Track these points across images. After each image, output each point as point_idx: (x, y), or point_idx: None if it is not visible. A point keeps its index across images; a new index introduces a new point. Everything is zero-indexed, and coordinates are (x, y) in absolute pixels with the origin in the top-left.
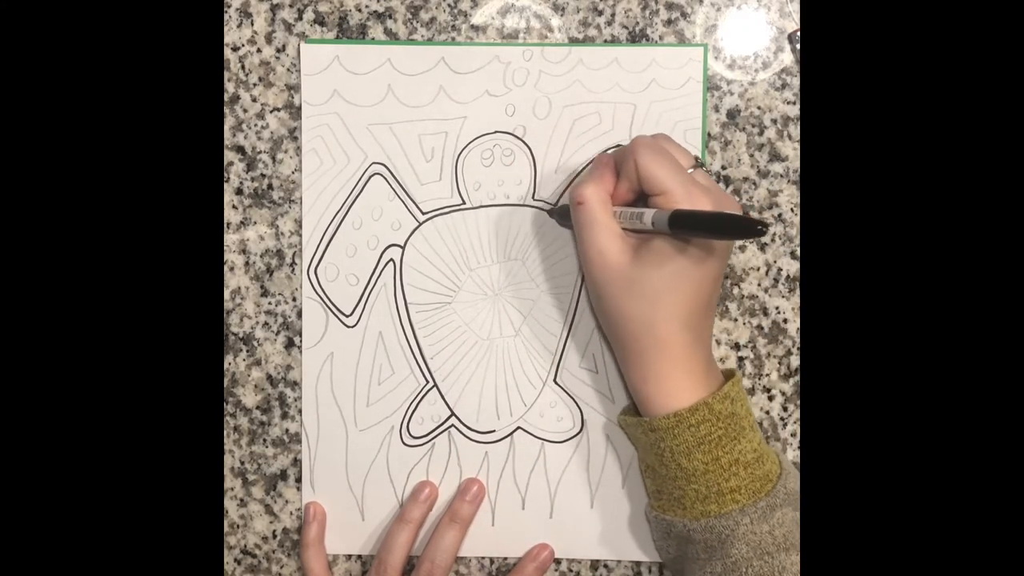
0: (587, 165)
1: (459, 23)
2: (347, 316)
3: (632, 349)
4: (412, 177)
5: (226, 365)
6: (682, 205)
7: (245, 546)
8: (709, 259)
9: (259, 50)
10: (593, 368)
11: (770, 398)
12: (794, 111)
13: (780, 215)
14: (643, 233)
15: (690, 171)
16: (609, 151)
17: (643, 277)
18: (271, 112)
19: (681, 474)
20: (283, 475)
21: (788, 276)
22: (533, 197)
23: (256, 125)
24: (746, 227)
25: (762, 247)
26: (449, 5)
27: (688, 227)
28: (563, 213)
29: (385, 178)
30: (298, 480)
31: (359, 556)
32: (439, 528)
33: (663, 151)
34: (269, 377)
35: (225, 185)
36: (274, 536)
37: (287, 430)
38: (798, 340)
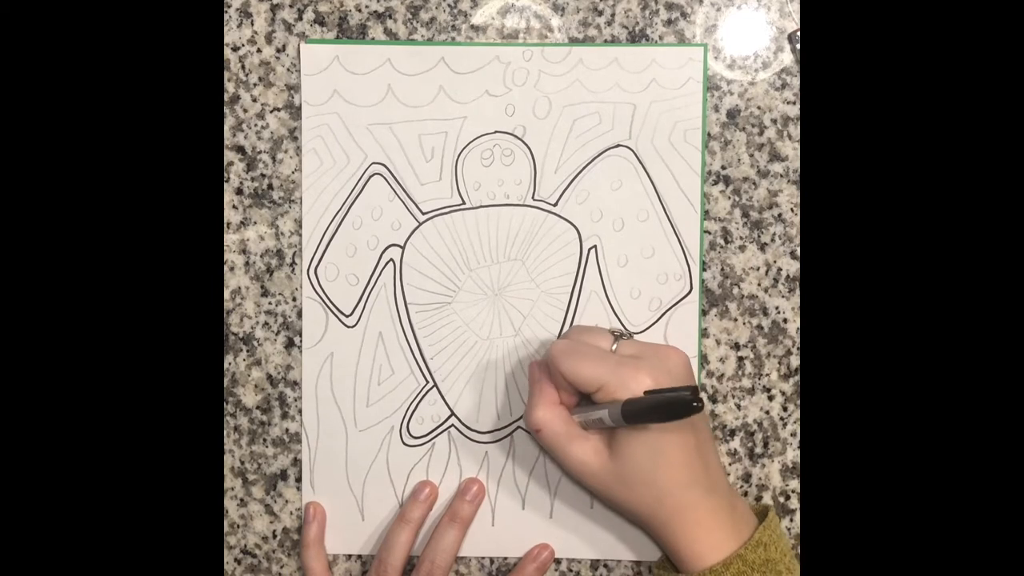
0: (588, 164)
1: (459, 23)
2: (347, 316)
3: (653, 524)
4: (412, 177)
5: (226, 365)
6: (621, 392)
7: (245, 546)
8: (681, 426)
9: (259, 50)
10: None
11: (770, 398)
12: (794, 111)
13: (780, 215)
14: (604, 429)
15: (614, 348)
16: (532, 362)
17: (629, 467)
18: (271, 112)
19: None
20: (283, 475)
21: (788, 276)
22: (533, 197)
23: (256, 125)
24: (684, 404)
25: (762, 247)
26: (449, 5)
27: (641, 418)
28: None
29: (385, 178)
30: (298, 480)
31: (359, 556)
32: (439, 528)
33: (579, 348)
34: (269, 377)
35: (225, 185)
36: (274, 536)
37: (287, 430)
38: (798, 340)
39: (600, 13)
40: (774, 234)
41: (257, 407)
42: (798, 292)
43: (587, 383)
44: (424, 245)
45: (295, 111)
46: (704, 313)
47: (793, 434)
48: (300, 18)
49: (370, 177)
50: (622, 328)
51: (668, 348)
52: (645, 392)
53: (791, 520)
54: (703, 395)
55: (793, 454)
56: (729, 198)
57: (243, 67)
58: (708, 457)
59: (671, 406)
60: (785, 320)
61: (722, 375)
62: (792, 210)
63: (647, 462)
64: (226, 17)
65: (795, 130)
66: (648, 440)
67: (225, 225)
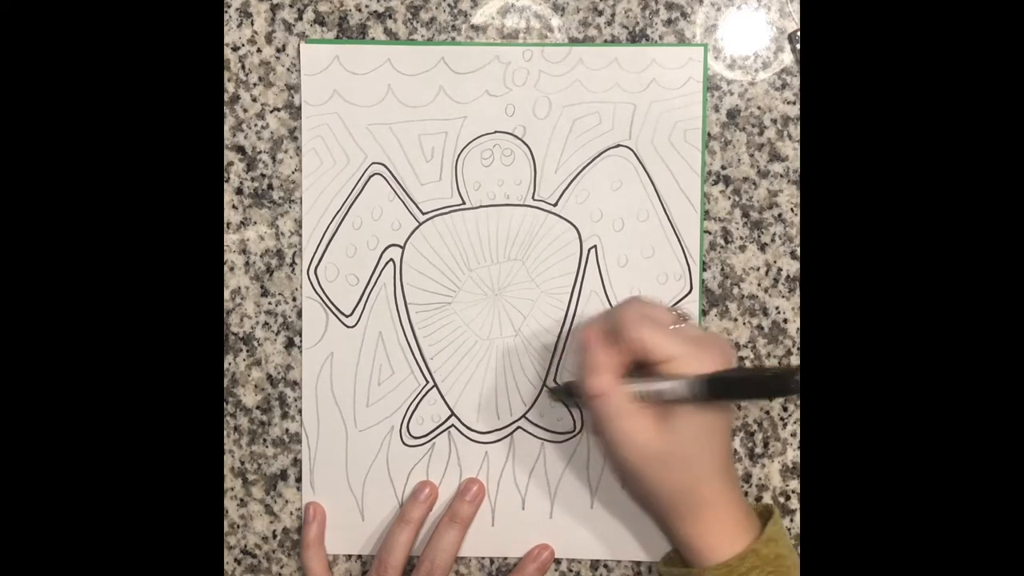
0: (588, 164)
1: (459, 23)
2: (347, 316)
3: (674, 514)
4: (412, 177)
5: (226, 365)
6: (691, 367)
7: (245, 546)
8: (727, 408)
9: (259, 50)
10: None
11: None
12: (794, 111)
13: (780, 215)
14: (661, 403)
15: (678, 328)
16: (584, 327)
17: (678, 447)
18: (271, 112)
19: None
20: (283, 475)
21: (788, 276)
22: (533, 197)
23: (256, 125)
24: (787, 383)
25: (762, 247)
26: (449, 5)
27: (728, 393)
28: (569, 392)
29: (385, 178)
30: (298, 480)
31: (359, 556)
32: (439, 528)
33: (650, 318)
34: (269, 377)
35: (225, 185)
36: (274, 536)
37: (287, 430)
38: (798, 340)
39: (600, 13)
40: (774, 234)
41: (257, 407)
42: (798, 292)
43: (660, 353)
44: (424, 245)
45: (295, 111)
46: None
47: (793, 434)
48: (300, 18)
49: (370, 177)
50: (681, 309)
51: (717, 335)
52: (713, 373)
53: (791, 520)
54: None
55: (793, 454)
56: (729, 198)
57: (243, 67)
58: (731, 454)
59: (772, 382)
60: (785, 320)
61: None
62: (792, 210)
63: (696, 444)
64: (226, 17)
65: (795, 130)
66: (704, 423)
67: (225, 225)
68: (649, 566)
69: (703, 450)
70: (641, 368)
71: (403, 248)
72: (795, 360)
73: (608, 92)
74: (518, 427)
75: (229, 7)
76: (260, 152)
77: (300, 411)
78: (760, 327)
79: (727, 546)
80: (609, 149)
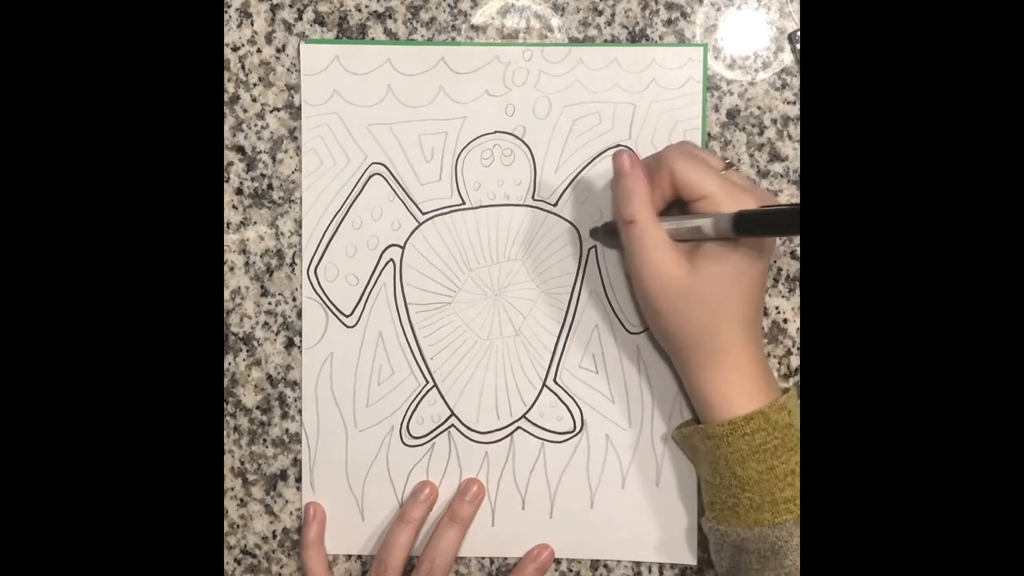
0: (588, 164)
1: (459, 23)
2: (347, 316)
3: (693, 358)
4: (412, 177)
5: (226, 365)
6: (726, 206)
7: (245, 546)
8: (761, 256)
9: (259, 50)
10: (593, 368)
11: None
12: (794, 111)
13: None
14: (695, 240)
15: (723, 173)
16: (627, 159)
17: (703, 286)
18: (271, 112)
19: (735, 482)
20: (283, 475)
21: (788, 276)
22: (533, 197)
23: (256, 125)
24: None
25: (737, 161)
26: (449, 5)
27: (754, 227)
28: (609, 231)
29: (385, 178)
30: (298, 480)
31: (359, 556)
32: (439, 528)
33: (696, 156)
34: (269, 377)
35: (225, 185)
36: (274, 536)
37: (287, 430)
38: (798, 340)
39: (600, 13)
40: None
41: (257, 407)
42: (798, 292)
43: (695, 188)
44: (424, 245)
45: (295, 111)
46: None
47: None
48: (300, 18)
49: (370, 177)
50: (732, 160)
51: (770, 194)
52: (764, 207)
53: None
54: None
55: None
56: None
57: (243, 67)
58: (760, 312)
59: (793, 217)
60: (785, 320)
61: None
62: None
63: (721, 287)
64: (226, 17)
65: (795, 130)
66: (731, 265)
67: (225, 225)
68: (649, 566)
69: (727, 294)
70: (680, 206)
71: (403, 248)
72: (795, 361)
73: (608, 92)
74: (518, 427)
75: (229, 7)
76: (260, 152)
77: (300, 411)
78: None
79: (738, 403)
80: (609, 149)
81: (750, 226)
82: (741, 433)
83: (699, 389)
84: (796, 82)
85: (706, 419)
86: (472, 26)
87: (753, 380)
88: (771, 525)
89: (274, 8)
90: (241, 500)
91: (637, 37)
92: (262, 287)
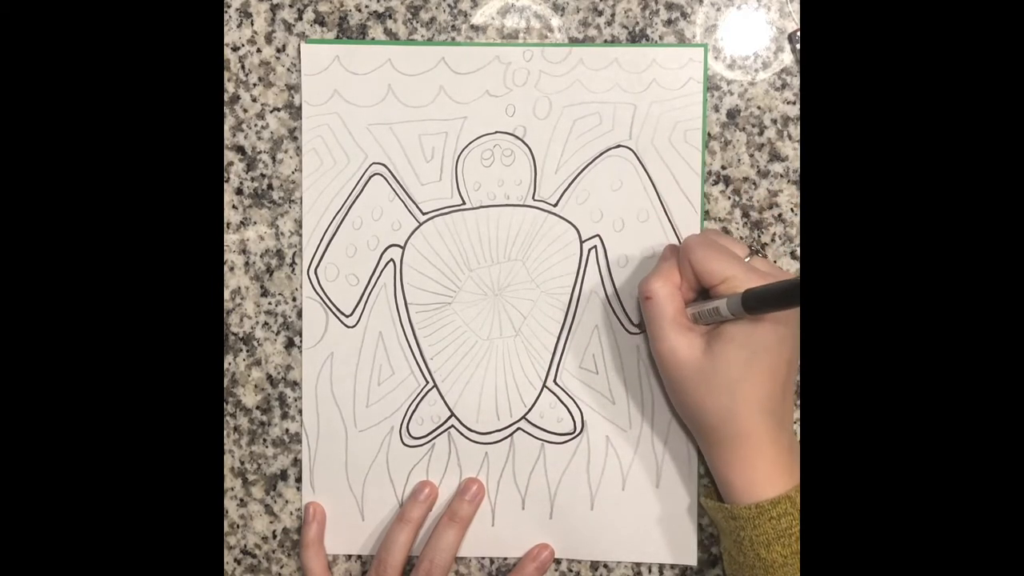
0: (588, 164)
1: (459, 23)
2: (347, 316)
3: (713, 440)
4: (412, 177)
5: (226, 365)
6: (743, 288)
7: (245, 546)
8: (782, 341)
9: (259, 50)
10: (593, 369)
11: None
12: (794, 111)
13: (780, 215)
14: (715, 324)
15: (747, 259)
16: (669, 245)
17: (718, 369)
18: (271, 112)
19: (759, 564)
20: (283, 475)
21: None
22: (533, 197)
23: (256, 125)
24: None
25: (762, 247)
26: (449, 5)
27: (761, 303)
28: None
29: (385, 178)
30: (298, 480)
31: (359, 556)
32: (438, 527)
33: (715, 244)
34: (269, 377)
35: (225, 185)
36: (274, 536)
37: (287, 430)
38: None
39: (600, 13)
40: (774, 234)
41: (257, 407)
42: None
43: (715, 274)
44: (424, 245)
45: (295, 111)
46: None
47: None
48: (300, 18)
49: (370, 177)
50: (758, 246)
51: (794, 276)
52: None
53: None
54: None
55: None
56: (729, 198)
57: (243, 67)
58: (788, 393)
59: (797, 287)
60: None
61: None
62: (792, 210)
63: (736, 371)
64: (226, 17)
65: (795, 130)
66: (747, 349)
67: (225, 225)
68: (649, 566)
69: (744, 378)
70: (706, 293)
71: (403, 248)
72: None
73: (608, 92)
74: (518, 427)
75: (229, 7)
76: (260, 152)
77: (300, 411)
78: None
79: (761, 488)
80: (609, 149)
81: (758, 302)
82: (767, 517)
83: (720, 472)
84: (796, 82)
85: (730, 500)
86: (472, 26)
87: (777, 467)
88: None
89: (274, 8)
90: (241, 500)
91: (637, 37)
92: (262, 287)
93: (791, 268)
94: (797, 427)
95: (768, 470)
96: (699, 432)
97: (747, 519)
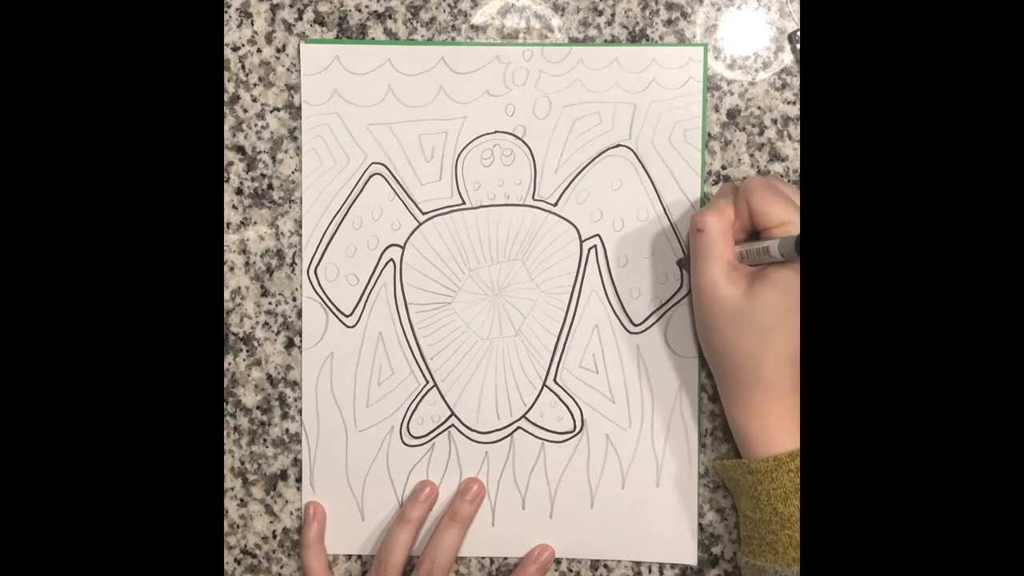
0: (588, 164)
1: (459, 23)
2: (347, 316)
3: (736, 384)
4: (412, 177)
5: (226, 365)
6: (797, 232)
7: (245, 546)
8: None
9: (259, 50)
10: (593, 368)
11: None
12: (794, 111)
13: None
14: (761, 266)
15: None
16: (727, 184)
17: (755, 311)
18: (271, 112)
19: (776, 519)
20: (283, 475)
21: None
22: (533, 197)
23: (256, 125)
24: None
25: None
26: (449, 5)
27: None
28: (688, 263)
29: (385, 178)
30: (298, 480)
31: (359, 556)
32: (439, 527)
33: (776, 188)
34: (269, 377)
35: (225, 185)
36: (274, 536)
37: (287, 430)
38: None
39: (600, 13)
40: None
41: (257, 407)
42: None
43: (771, 216)
44: (424, 245)
45: (295, 111)
46: None
47: None
48: (300, 18)
49: (370, 177)
50: None
51: None
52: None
53: None
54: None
55: None
56: None
57: (243, 67)
58: None
59: None
60: None
61: None
62: None
63: (773, 315)
64: (226, 17)
65: (795, 130)
66: (789, 296)
67: (225, 225)
68: (649, 566)
69: (779, 325)
70: (756, 237)
71: (403, 248)
72: None
73: (608, 92)
74: (518, 427)
75: (229, 7)
76: (260, 152)
77: (300, 411)
78: None
79: (778, 438)
80: (609, 149)
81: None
82: (785, 470)
83: (739, 421)
84: (796, 82)
85: (747, 454)
86: (472, 26)
87: (797, 420)
88: None
89: (274, 8)
90: (241, 500)
91: (637, 37)
92: (262, 287)
93: None
94: None
95: (787, 422)
96: (722, 374)
97: (764, 472)
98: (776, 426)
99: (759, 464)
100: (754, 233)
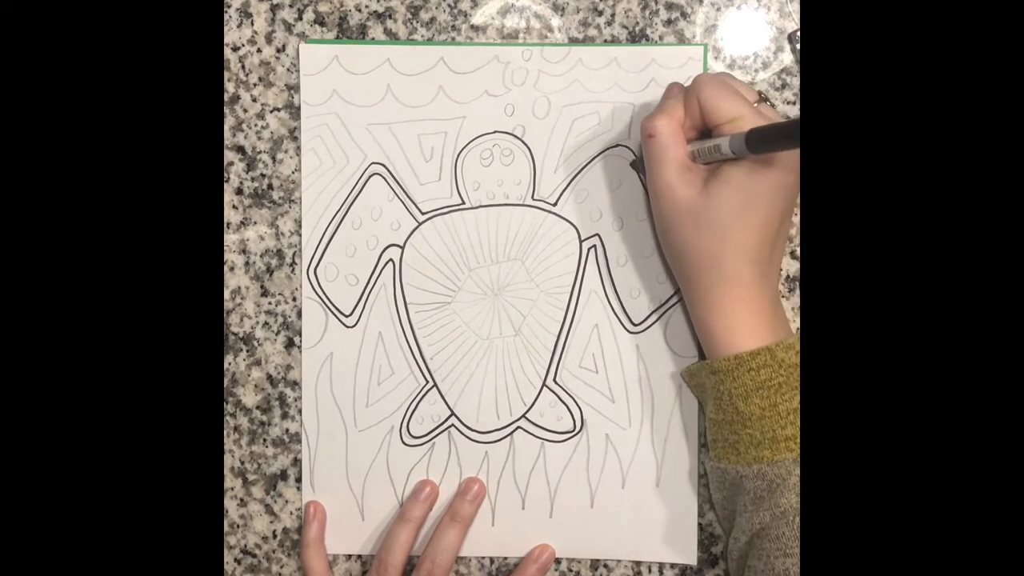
0: (588, 163)
1: (459, 23)
2: (347, 316)
3: (698, 284)
4: (411, 177)
5: (226, 365)
6: (749, 128)
7: (245, 546)
8: (779, 190)
9: (259, 50)
10: (593, 368)
11: None
12: (794, 111)
13: None
14: (715, 164)
15: (755, 104)
16: (674, 83)
17: (711, 209)
18: (271, 112)
19: (737, 418)
20: (283, 475)
21: (788, 276)
22: (532, 197)
23: (256, 125)
24: None
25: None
26: (449, 5)
27: (765, 140)
28: (643, 166)
29: (384, 178)
30: (298, 480)
31: (359, 556)
32: (440, 527)
33: (726, 84)
34: (269, 377)
35: (225, 185)
36: (274, 536)
37: (287, 430)
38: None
39: (600, 13)
40: None
41: (257, 407)
42: (798, 292)
43: (722, 112)
44: (424, 245)
45: (295, 111)
46: None
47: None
48: (300, 18)
49: (369, 177)
50: (766, 94)
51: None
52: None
53: None
54: None
55: None
56: None
57: (243, 67)
58: (778, 245)
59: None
60: None
61: None
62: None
63: (730, 212)
64: (226, 17)
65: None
66: (744, 192)
67: (225, 225)
68: (649, 566)
69: (736, 222)
70: (708, 135)
71: (403, 248)
72: None
73: (607, 92)
74: (518, 427)
75: (229, 7)
76: (260, 152)
77: (300, 411)
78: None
79: (741, 338)
80: (608, 148)
81: (761, 139)
82: (747, 368)
83: (703, 320)
84: (796, 82)
85: (712, 355)
86: (472, 26)
87: (760, 317)
88: (770, 463)
89: (274, 8)
90: (241, 500)
91: (637, 37)
92: (262, 287)
93: (790, 268)
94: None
95: (749, 320)
96: (683, 275)
97: (727, 371)
98: (739, 326)
99: (721, 364)
100: (706, 131)
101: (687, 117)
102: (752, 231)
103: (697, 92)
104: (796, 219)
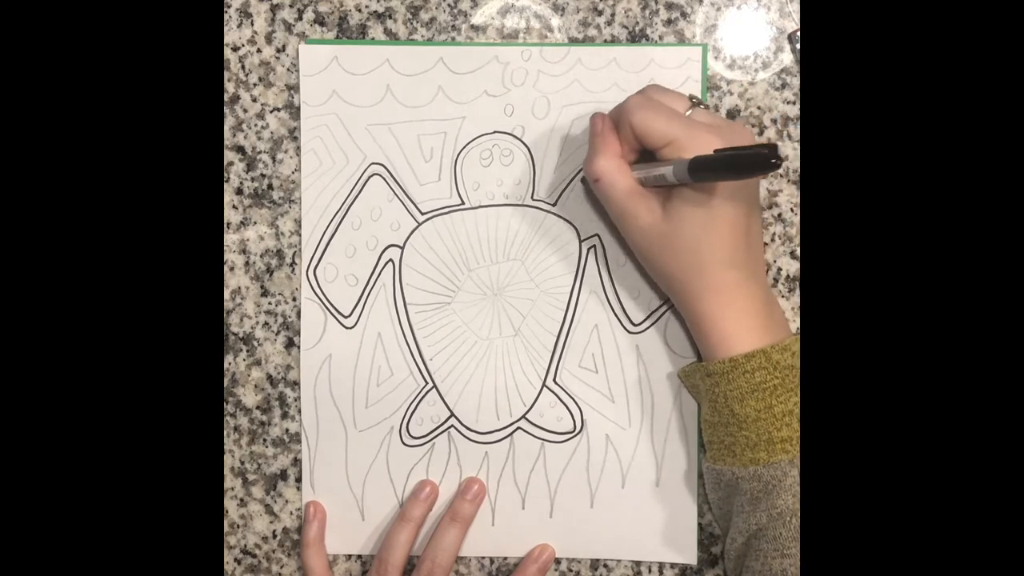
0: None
1: (459, 23)
2: (346, 317)
3: (685, 297)
4: (411, 177)
5: (226, 365)
6: (689, 151)
7: (245, 546)
8: (735, 193)
9: (259, 50)
10: (593, 368)
11: None
12: (794, 111)
13: (780, 215)
14: (665, 186)
15: (688, 113)
16: (595, 114)
17: (677, 231)
18: (271, 112)
19: (733, 420)
20: (283, 475)
21: (788, 276)
22: (532, 197)
23: (256, 125)
24: (762, 159)
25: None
26: (449, 5)
27: (708, 172)
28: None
29: (384, 178)
30: (298, 480)
31: (359, 556)
32: (440, 527)
33: (654, 103)
34: (269, 377)
35: (225, 185)
36: (274, 536)
37: (287, 430)
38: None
39: (600, 13)
40: (774, 234)
41: (257, 407)
42: (798, 292)
43: (657, 137)
44: (423, 245)
45: (295, 111)
46: None
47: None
48: (300, 18)
49: (369, 177)
50: (699, 97)
51: (739, 124)
52: (716, 151)
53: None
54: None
55: None
56: None
57: (243, 67)
58: (753, 244)
59: (745, 161)
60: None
61: None
62: (792, 210)
63: (695, 229)
64: (226, 17)
65: (795, 130)
66: (700, 207)
67: (225, 225)
68: (649, 566)
69: (703, 238)
70: (649, 155)
71: (402, 248)
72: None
73: (607, 92)
74: (518, 427)
75: (229, 7)
76: (260, 152)
77: (300, 411)
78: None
79: (736, 341)
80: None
81: (705, 171)
82: (741, 371)
83: (696, 326)
84: (796, 82)
85: (707, 357)
86: (472, 26)
87: (753, 318)
88: (766, 464)
89: (274, 8)
90: (241, 500)
91: (637, 37)
92: (262, 287)
93: (790, 268)
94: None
95: (742, 322)
96: (672, 290)
97: (722, 374)
98: (732, 329)
99: (716, 366)
100: (644, 151)
101: (623, 144)
102: (723, 240)
103: (628, 118)
104: (789, 217)
